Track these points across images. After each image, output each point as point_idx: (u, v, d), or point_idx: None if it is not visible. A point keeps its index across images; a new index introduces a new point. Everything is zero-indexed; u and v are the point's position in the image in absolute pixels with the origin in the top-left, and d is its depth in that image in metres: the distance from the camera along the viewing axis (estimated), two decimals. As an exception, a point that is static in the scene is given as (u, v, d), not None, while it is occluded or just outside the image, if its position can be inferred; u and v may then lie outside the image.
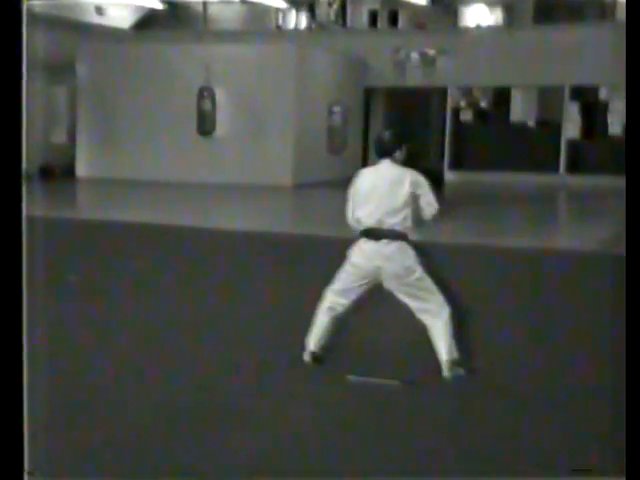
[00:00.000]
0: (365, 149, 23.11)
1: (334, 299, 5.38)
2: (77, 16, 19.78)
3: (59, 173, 20.01)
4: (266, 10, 23.19)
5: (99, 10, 20.56)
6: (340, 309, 5.37)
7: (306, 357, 5.38)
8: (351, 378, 5.17)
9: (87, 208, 16.78)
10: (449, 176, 20.57)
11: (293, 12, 23.97)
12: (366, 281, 5.28)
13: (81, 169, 19.82)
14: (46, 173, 19.87)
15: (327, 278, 5.42)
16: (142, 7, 21.59)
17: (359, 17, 24.74)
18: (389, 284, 5.22)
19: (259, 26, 23.14)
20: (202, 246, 10.53)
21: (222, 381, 5.20)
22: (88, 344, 5.90)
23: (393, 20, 24.86)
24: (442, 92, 21.64)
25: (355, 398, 4.91)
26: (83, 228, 12.35)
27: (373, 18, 24.90)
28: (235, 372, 5.35)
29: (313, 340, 5.40)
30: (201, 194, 17.13)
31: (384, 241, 5.18)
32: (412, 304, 5.23)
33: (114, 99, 19.53)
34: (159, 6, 21.44)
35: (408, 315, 5.26)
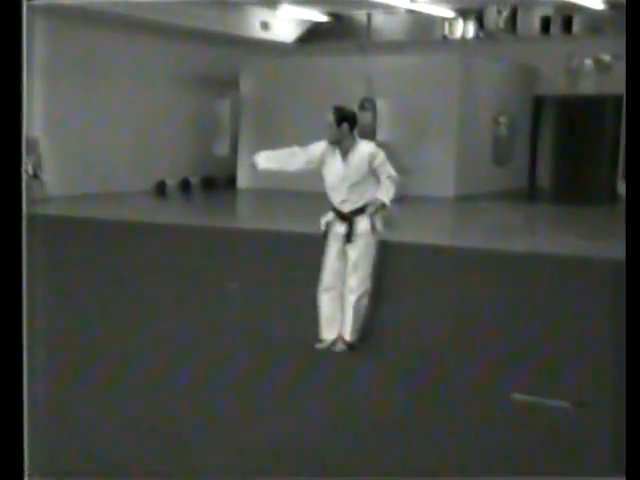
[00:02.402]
0: (533, 160, 22.24)
1: (362, 290, 5.69)
2: (242, 31, 20.21)
3: (221, 184, 20.52)
4: (432, 20, 22.81)
5: (264, 25, 20.91)
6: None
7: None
8: (517, 396, 4.96)
9: (245, 218, 17.11)
10: (623, 190, 19.30)
11: (460, 21, 23.44)
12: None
13: (242, 180, 20.21)
14: (208, 184, 20.44)
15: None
16: (306, 20, 21.79)
17: (530, 24, 23.87)
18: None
19: (425, 36, 22.80)
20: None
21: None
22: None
23: (567, 26, 23.83)
24: (617, 100, 20.46)
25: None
26: (244, 237, 12.52)
27: (545, 24, 23.98)
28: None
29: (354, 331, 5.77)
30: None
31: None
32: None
33: (276, 112, 19.80)
34: (323, 19, 21.56)
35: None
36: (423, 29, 22.93)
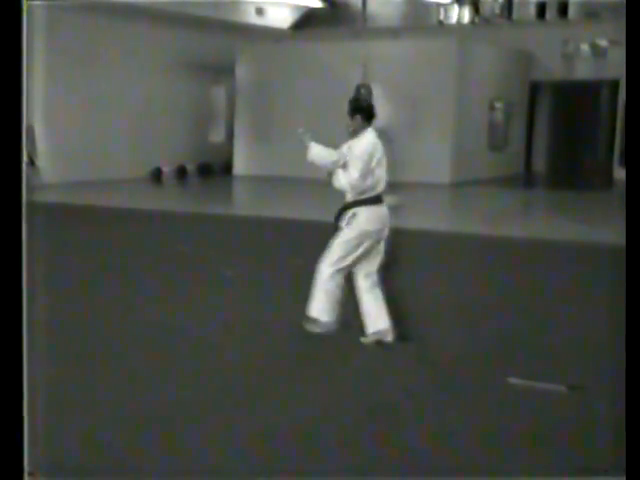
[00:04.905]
0: (529, 146, 22.23)
1: (334, 268, 5.67)
2: (237, 18, 20.12)
3: (217, 171, 20.49)
4: (428, 6, 22.74)
5: (259, 11, 20.83)
6: (342, 276, 5.71)
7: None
8: (513, 381, 4.98)
9: (242, 205, 17.08)
10: (620, 174, 19.32)
11: (456, 7, 23.36)
12: (366, 244, 5.64)
13: (238, 167, 20.18)
14: (204, 171, 20.40)
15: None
16: (302, 6, 21.71)
17: (526, 9, 23.80)
18: (377, 246, 5.71)
19: (420, 22, 22.73)
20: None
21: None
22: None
23: (562, 11, 23.77)
24: (613, 85, 20.43)
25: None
26: (240, 224, 12.51)
27: (541, 10, 23.91)
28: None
29: (324, 310, 5.74)
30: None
31: (385, 205, 5.70)
32: (373, 263, 5.72)
33: (272, 98, 19.75)
34: (319, 5, 21.48)
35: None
36: (419, 15, 22.86)
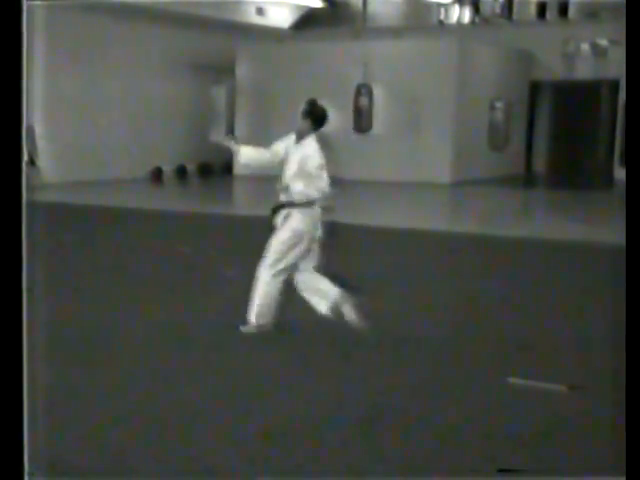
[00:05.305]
0: (529, 145, 22.23)
1: (272, 271, 5.81)
2: (238, 17, 20.12)
3: (217, 171, 20.48)
4: (428, 5, 22.74)
5: (259, 11, 20.83)
6: (280, 280, 5.84)
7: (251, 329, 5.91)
8: (513, 381, 4.97)
9: (242, 204, 17.09)
10: (620, 174, 19.31)
11: (456, 6, 23.36)
12: (301, 247, 5.77)
13: (239, 167, 20.15)
14: (204, 170, 20.39)
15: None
16: (302, 6, 21.70)
17: (526, 9, 23.79)
18: (314, 246, 5.84)
19: (421, 22, 22.73)
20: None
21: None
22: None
23: (563, 11, 23.76)
24: (614, 85, 20.42)
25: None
26: (240, 224, 12.50)
27: (541, 9, 23.91)
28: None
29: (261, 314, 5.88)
30: (364, 192, 16.98)
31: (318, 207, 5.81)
32: (309, 262, 5.83)
33: (272, 98, 19.74)
34: (319, 4, 21.47)
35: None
36: (419, 14, 22.86)
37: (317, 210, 5.85)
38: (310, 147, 5.82)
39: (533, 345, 5.87)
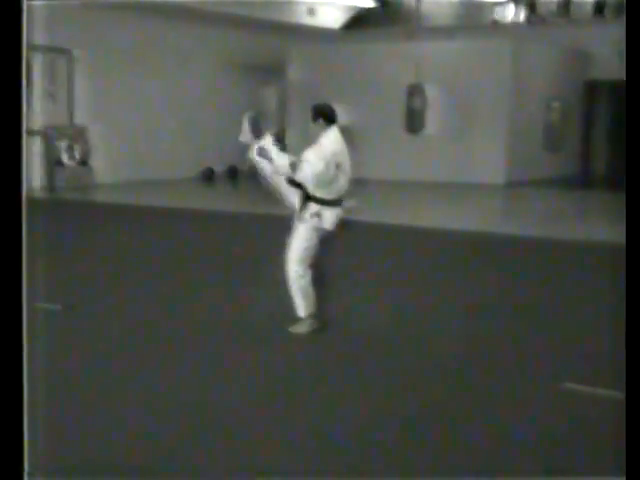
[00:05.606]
0: (587, 146, 21.82)
1: (304, 265, 5.84)
2: (288, 18, 20.13)
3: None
4: (483, 4, 22.48)
5: (310, 11, 20.81)
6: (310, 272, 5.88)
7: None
8: (568, 385, 4.91)
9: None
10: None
11: (511, 5, 23.04)
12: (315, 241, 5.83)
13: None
14: (255, 172, 20.43)
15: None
16: (354, 6, 21.63)
17: (583, 7, 23.38)
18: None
19: (475, 21, 22.47)
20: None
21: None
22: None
23: (621, 9, 23.28)
24: (674, 83, 19.90)
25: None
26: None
27: (599, 7, 23.48)
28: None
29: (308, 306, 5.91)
30: (417, 193, 16.84)
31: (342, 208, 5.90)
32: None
33: (323, 99, 19.62)
34: (371, 4, 21.38)
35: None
36: (473, 14, 22.61)
37: (341, 211, 5.88)
38: (331, 134, 5.79)
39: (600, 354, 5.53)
